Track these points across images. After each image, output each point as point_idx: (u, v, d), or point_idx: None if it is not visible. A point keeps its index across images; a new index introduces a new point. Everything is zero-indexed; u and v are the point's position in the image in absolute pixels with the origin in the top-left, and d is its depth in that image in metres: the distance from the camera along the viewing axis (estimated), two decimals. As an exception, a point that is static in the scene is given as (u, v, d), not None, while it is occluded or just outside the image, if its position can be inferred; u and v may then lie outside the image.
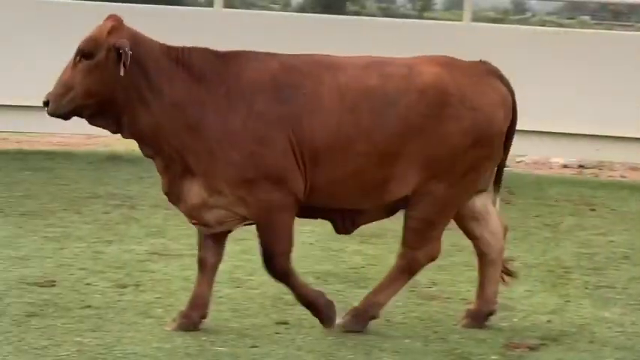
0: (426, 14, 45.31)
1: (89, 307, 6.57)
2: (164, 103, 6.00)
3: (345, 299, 7.09)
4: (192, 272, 7.43)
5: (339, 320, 6.38)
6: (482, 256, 6.73)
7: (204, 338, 6.15)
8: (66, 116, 6.03)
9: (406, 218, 6.45)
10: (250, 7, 37.78)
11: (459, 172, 6.29)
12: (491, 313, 6.66)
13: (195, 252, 7.99)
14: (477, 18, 14.69)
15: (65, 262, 7.54)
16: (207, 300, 6.35)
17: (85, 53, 5.91)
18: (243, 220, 6.25)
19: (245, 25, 13.44)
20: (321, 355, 6.00)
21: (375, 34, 13.21)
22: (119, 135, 6.22)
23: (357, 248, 8.62)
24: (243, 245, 8.38)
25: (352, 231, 6.56)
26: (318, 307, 6.34)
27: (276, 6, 47.38)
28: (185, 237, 8.54)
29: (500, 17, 39.55)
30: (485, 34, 13.45)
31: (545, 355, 6.27)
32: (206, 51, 6.17)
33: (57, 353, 5.70)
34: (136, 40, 5.98)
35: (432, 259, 6.56)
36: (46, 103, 5.93)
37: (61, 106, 5.93)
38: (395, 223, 9.46)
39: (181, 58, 6.06)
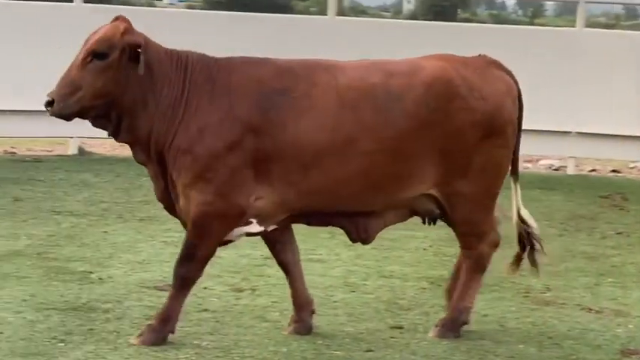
0: (537, 21, 44.91)
1: (206, 310, 6.56)
2: (161, 106, 5.85)
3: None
4: (308, 277, 7.41)
5: (431, 332, 6.28)
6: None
7: (319, 342, 6.10)
8: (70, 117, 5.82)
9: (452, 225, 6.36)
10: (361, 14, 37.79)
11: (478, 166, 6.13)
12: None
13: (310, 256, 8.06)
14: (588, 24, 14.41)
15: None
16: (307, 295, 6.30)
17: (97, 53, 5.71)
18: None
19: (358, 32, 13.39)
20: (436, 360, 5.94)
21: (485, 40, 13.02)
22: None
23: (470, 253, 8.50)
24: (358, 250, 8.34)
25: (368, 239, 6.22)
26: (165, 326, 5.91)
27: (387, 14, 47.40)
28: (300, 242, 8.48)
29: (612, 23, 39.04)
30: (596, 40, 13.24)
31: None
32: (204, 56, 6.01)
33: (176, 356, 5.70)
34: (146, 41, 5.85)
35: (496, 246, 6.45)
36: (49, 103, 5.69)
37: (67, 107, 5.71)
38: (502, 230, 9.46)
39: (180, 63, 5.92)
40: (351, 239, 6.22)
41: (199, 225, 5.81)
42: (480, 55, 6.40)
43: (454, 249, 8.53)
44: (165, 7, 33.36)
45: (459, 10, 47.87)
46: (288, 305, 6.69)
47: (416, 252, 8.51)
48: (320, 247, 8.45)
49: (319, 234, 8.91)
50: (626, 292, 7.57)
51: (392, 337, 6.28)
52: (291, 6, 44.97)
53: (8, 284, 6.85)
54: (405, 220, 6.40)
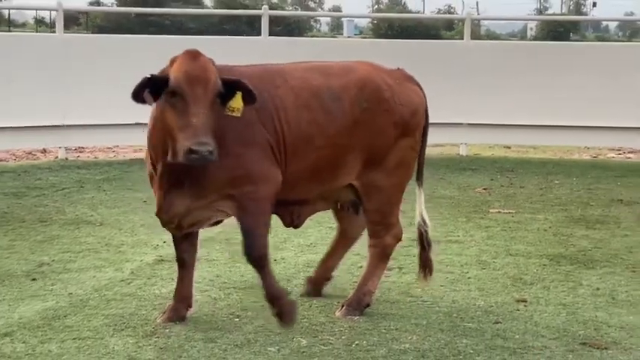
0: (634, 39, 43.13)
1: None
2: None
3: (576, 279, 6.21)
4: (447, 256, 6.76)
5: (337, 312, 5.35)
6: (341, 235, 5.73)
7: (454, 315, 5.40)
8: None
9: (365, 214, 5.43)
10: (494, 39, 36.74)
11: (392, 163, 5.32)
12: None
13: (449, 238, 7.35)
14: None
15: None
16: (190, 293, 5.26)
17: (220, 94, 4.64)
18: (218, 217, 5.14)
19: (489, 53, 12.76)
20: (555, 331, 5.16)
21: (591, 56, 12.28)
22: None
23: (585, 233, 7.66)
24: (489, 232, 7.65)
25: (300, 224, 5.37)
26: (282, 303, 5.01)
27: (514, 38, 46.18)
28: (441, 225, 7.82)
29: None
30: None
31: None
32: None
33: (331, 329, 5.06)
34: None
35: (399, 239, 5.57)
36: (211, 152, 4.43)
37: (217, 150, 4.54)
38: (615, 212, 8.58)
39: None
40: (285, 224, 5.38)
41: (253, 212, 4.95)
42: (398, 68, 5.56)
43: (570, 229, 7.79)
44: (346, 38, 33.03)
45: (571, 34, 46.32)
46: (431, 282, 6.02)
47: (537, 233, 7.68)
48: (457, 230, 7.72)
49: (457, 218, 8.21)
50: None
51: (517, 310, 5.52)
52: (440, 35, 44.19)
53: (200, 266, 6.25)
54: (330, 207, 5.57)
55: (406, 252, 6.71)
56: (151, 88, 4.56)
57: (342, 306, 5.40)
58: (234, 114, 4.70)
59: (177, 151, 4.48)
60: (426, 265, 5.64)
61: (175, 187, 4.86)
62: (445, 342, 4.93)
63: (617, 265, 6.58)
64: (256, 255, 4.95)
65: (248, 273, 6.15)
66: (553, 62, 12.40)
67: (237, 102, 4.69)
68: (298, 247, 6.93)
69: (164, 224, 5.06)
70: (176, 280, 5.30)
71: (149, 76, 4.56)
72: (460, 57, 12.42)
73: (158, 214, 5.02)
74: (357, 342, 4.89)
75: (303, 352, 4.73)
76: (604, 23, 60.34)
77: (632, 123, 12.16)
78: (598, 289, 5.99)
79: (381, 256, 5.51)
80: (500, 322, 5.27)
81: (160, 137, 4.71)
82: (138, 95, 4.55)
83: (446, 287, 5.97)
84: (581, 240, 7.40)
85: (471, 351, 4.81)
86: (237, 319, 5.22)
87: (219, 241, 7.01)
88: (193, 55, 4.63)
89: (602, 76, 12.21)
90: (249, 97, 4.71)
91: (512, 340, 4.97)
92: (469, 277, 6.19)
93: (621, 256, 6.85)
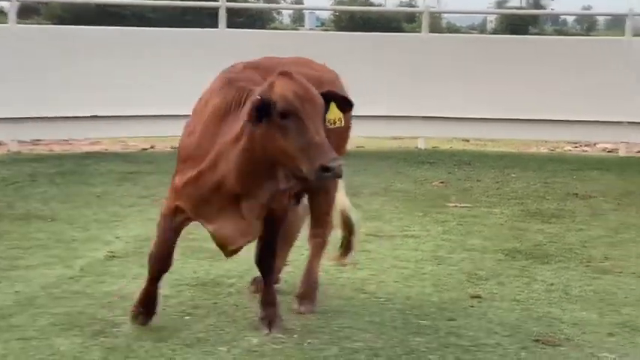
0: (591, 33, 43.40)
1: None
2: None
3: (530, 274, 6.16)
4: (402, 251, 6.68)
5: (302, 308, 5.24)
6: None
7: (408, 312, 5.31)
8: None
9: (312, 208, 5.37)
10: (454, 32, 36.77)
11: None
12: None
13: (406, 232, 7.27)
14: (637, 34, 13.55)
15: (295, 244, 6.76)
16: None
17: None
18: None
19: (448, 47, 12.73)
20: (509, 327, 5.09)
21: (549, 50, 12.31)
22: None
23: (540, 227, 7.62)
24: (445, 226, 7.58)
25: None
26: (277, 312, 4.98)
27: (474, 31, 46.32)
28: (397, 220, 7.75)
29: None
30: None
31: None
32: None
33: (283, 328, 4.95)
34: None
35: (331, 230, 5.52)
36: (340, 167, 4.23)
37: None
38: (570, 205, 8.56)
39: None
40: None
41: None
42: (324, 63, 5.38)
43: (526, 223, 7.75)
44: (307, 31, 32.89)
45: (530, 27, 46.50)
46: (385, 278, 5.96)
47: (493, 227, 7.63)
48: (414, 224, 7.64)
49: (414, 212, 8.13)
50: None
51: (471, 306, 5.46)
52: (402, 27, 44.15)
53: (152, 263, 6.17)
54: None
55: (361, 247, 6.61)
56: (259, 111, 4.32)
57: (299, 301, 5.29)
58: (337, 125, 4.53)
59: (306, 171, 4.21)
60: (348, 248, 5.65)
61: (238, 214, 4.68)
62: (398, 340, 4.85)
63: (571, 260, 6.54)
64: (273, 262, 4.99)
65: (201, 270, 6.05)
66: (511, 56, 12.39)
67: (334, 113, 4.50)
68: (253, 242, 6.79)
69: (230, 254, 4.92)
70: None
71: (259, 97, 4.33)
72: (418, 50, 12.36)
73: (226, 247, 4.83)
74: (309, 340, 4.79)
75: (255, 351, 4.62)
76: (562, 17, 60.72)
77: (589, 117, 12.17)
78: (552, 284, 5.94)
79: (323, 246, 5.42)
80: (455, 319, 5.19)
81: (255, 167, 4.45)
82: (257, 116, 4.31)
83: (400, 283, 5.88)
84: (537, 234, 7.36)
85: (424, 349, 4.73)
86: (188, 317, 5.10)
87: (173, 237, 6.88)
88: (290, 75, 4.41)
89: (561, 69, 12.21)
90: (344, 104, 4.54)
91: (466, 338, 4.89)
92: (424, 273, 6.11)
93: (575, 250, 6.82)
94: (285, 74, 4.40)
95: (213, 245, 6.58)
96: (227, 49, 11.24)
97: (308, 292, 5.33)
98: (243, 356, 4.55)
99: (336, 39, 13.49)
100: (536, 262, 6.48)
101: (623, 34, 12.86)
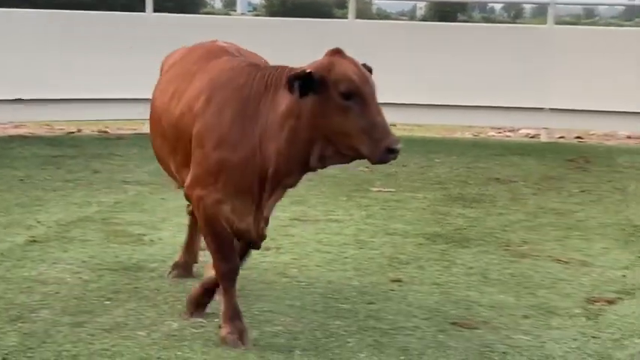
0: (517, 21, 43.91)
1: (237, 268, 5.75)
2: None
3: (450, 258, 6.23)
4: (325, 235, 6.70)
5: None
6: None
7: (329, 296, 5.34)
8: None
9: None
10: (384, 18, 36.85)
11: None
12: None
13: (329, 217, 7.29)
14: (557, 22, 13.70)
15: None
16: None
17: None
18: None
19: (374, 33, 12.72)
20: (427, 311, 5.14)
21: (476, 36, 12.48)
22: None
23: (461, 212, 7.70)
24: (369, 211, 7.61)
25: None
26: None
27: (403, 17, 46.50)
28: (321, 204, 7.76)
29: (573, 21, 38.34)
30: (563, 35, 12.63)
31: (621, 309, 5.31)
32: None
33: (204, 312, 4.93)
34: None
35: None
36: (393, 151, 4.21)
37: None
38: (491, 190, 8.66)
39: None
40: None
41: None
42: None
43: (448, 208, 7.82)
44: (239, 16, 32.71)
45: (459, 14, 46.85)
46: (307, 262, 5.98)
47: (416, 211, 7.69)
48: (337, 209, 7.66)
49: (338, 197, 8.15)
50: (589, 244, 6.73)
51: (391, 290, 5.50)
52: (332, 13, 44.14)
53: (73, 247, 6.10)
54: None
55: (285, 232, 6.64)
56: (304, 85, 4.20)
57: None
58: None
59: (368, 152, 4.17)
60: None
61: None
62: (318, 324, 4.86)
63: (490, 244, 6.62)
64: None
65: (123, 254, 6.00)
66: (438, 42, 12.45)
67: None
68: (177, 226, 6.74)
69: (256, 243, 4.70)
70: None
71: (310, 71, 4.22)
72: (345, 36, 12.33)
73: (250, 236, 4.60)
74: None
75: (174, 335, 4.59)
76: (490, 5, 61.25)
77: (512, 103, 12.30)
78: (471, 268, 6.01)
79: None
80: (374, 303, 5.23)
81: (300, 148, 4.30)
82: (300, 86, 4.19)
83: (322, 267, 5.90)
84: (458, 219, 7.43)
85: (343, 333, 4.75)
86: (108, 302, 5.05)
87: (96, 221, 6.82)
88: (344, 54, 4.35)
89: (486, 56, 12.31)
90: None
91: (385, 321, 4.93)
92: (346, 257, 6.14)
93: (495, 234, 6.90)
94: (338, 53, 4.33)
95: (136, 230, 6.60)
96: (154, 34, 11.15)
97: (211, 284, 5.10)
98: (162, 340, 4.52)
99: (268, 24, 13.43)
100: (456, 246, 6.55)
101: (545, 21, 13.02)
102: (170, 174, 4.98)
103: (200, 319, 4.80)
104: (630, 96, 12.01)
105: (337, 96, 4.19)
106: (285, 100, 4.31)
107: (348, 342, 4.64)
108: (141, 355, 4.31)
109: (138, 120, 11.43)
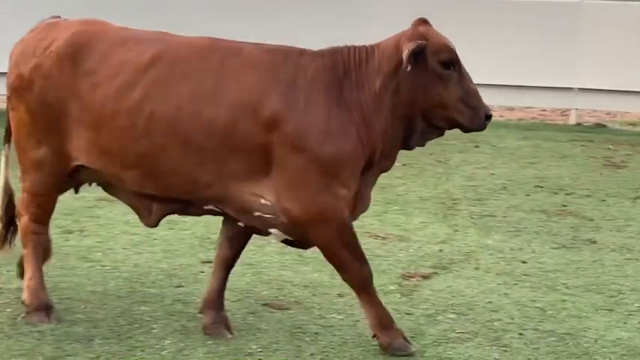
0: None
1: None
2: None
3: (265, 238, 6.02)
4: (133, 216, 6.34)
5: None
6: None
7: (135, 279, 5.09)
8: None
9: None
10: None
11: None
12: None
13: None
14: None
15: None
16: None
17: None
18: None
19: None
20: (239, 292, 4.98)
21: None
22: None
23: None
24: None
25: None
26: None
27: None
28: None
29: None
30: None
31: (436, 284, 5.29)
32: None
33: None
34: None
35: None
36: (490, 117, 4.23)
37: None
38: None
39: None
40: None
41: None
42: None
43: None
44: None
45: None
46: (113, 245, 5.68)
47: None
48: (151, 188, 7.34)
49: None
50: (408, 218, 6.70)
51: (202, 272, 5.28)
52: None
53: None
54: None
55: (90, 213, 6.31)
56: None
57: None
58: None
59: (467, 121, 4.16)
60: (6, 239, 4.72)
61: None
62: (122, 310, 4.62)
63: (308, 221, 6.47)
64: None
65: None
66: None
67: None
68: None
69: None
70: None
71: (424, 43, 4.06)
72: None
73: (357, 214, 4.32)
74: (22, 315, 4.45)
75: None
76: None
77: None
78: (286, 246, 5.82)
79: None
80: (183, 286, 5.02)
81: (403, 123, 4.19)
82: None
83: (129, 250, 5.63)
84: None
85: (149, 318, 4.53)
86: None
87: None
88: (429, 24, 4.21)
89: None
90: None
91: (193, 305, 4.71)
92: (155, 239, 5.86)
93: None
94: (426, 22, 4.21)
95: None
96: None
97: None
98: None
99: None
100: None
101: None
102: (192, 186, 4.24)
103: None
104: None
105: (437, 65, 4.11)
106: (373, 78, 4.16)
107: (153, 328, 4.42)
108: None
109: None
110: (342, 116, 4.13)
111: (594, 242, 6.24)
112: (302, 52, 4.25)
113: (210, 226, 6.22)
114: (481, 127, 4.22)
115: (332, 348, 4.29)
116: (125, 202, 4.50)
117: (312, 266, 5.44)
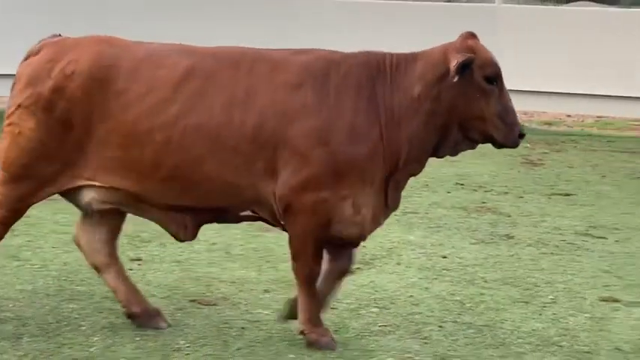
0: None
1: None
2: None
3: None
4: (63, 215, 6.42)
5: None
6: None
7: (64, 279, 5.15)
8: None
9: None
10: None
11: None
12: None
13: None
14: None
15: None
16: None
17: None
18: None
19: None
20: (167, 289, 5.08)
21: None
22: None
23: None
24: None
25: None
26: None
27: None
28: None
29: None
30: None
31: (359, 279, 5.42)
32: None
33: None
34: None
35: None
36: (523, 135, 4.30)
37: None
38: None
39: None
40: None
41: None
42: None
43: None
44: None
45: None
46: (42, 244, 5.73)
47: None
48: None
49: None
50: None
51: (130, 270, 5.31)
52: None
53: None
54: None
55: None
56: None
57: None
58: None
59: (501, 136, 4.23)
60: None
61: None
62: (50, 308, 4.69)
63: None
64: None
65: None
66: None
67: None
68: None
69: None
70: None
71: (472, 56, 4.14)
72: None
73: (359, 231, 4.39)
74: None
75: None
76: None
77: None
78: (214, 243, 5.95)
79: None
80: (112, 284, 5.07)
81: (438, 131, 4.26)
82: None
83: (59, 249, 5.68)
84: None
85: (77, 316, 4.61)
86: None
87: None
88: (477, 38, 4.30)
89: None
90: None
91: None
92: (83, 237, 5.91)
93: (240, 209, 6.87)
94: (473, 36, 4.29)
95: None
96: None
97: None
98: None
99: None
100: (199, 222, 6.46)
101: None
102: (229, 192, 4.27)
103: None
104: None
105: (482, 80, 4.20)
106: (413, 83, 4.23)
107: (82, 325, 4.49)
108: None
109: None
110: (369, 114, 4.22)
111: (511, 237, 6.46)
112: (333, 52, 4.37)
113: (140, 224, 6.31)
114: (514, 145, 4.32)
115: (258, 342, 4.41)
116: (153, 219, 4.54)
117: (239, 263, 5.57)
